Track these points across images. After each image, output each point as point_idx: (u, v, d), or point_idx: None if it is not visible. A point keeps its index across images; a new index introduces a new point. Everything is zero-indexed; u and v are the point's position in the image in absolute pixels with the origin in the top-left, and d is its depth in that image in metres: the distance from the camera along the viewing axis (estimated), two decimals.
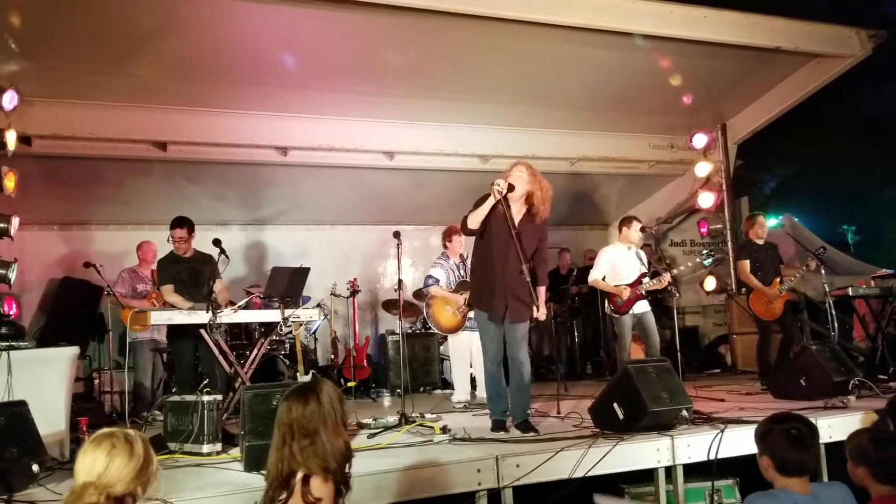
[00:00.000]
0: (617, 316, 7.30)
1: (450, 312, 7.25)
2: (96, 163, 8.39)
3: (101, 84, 7.65)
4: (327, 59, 7.99)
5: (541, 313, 5.26)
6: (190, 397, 4.99)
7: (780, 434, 3.06)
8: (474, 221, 5.25)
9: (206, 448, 4.77)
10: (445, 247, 7.52)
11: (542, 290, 5.38)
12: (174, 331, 6.25)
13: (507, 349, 5.42)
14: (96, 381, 8.24)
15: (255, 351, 5.90)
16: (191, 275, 6.45)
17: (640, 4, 7.96)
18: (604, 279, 7.41)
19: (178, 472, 4.36)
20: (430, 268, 7.61)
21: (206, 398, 4.84)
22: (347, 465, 2.63)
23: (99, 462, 2.25)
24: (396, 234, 6.42)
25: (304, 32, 7.53)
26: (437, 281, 7.31)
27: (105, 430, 2.36)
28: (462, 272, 7.34)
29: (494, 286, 5.28)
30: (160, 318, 5.56)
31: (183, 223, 6.50)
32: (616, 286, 7.27)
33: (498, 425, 5.30)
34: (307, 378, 8.14)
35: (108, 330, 8.35)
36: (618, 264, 7.39)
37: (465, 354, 7.27)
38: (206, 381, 6.35)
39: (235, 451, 4.72)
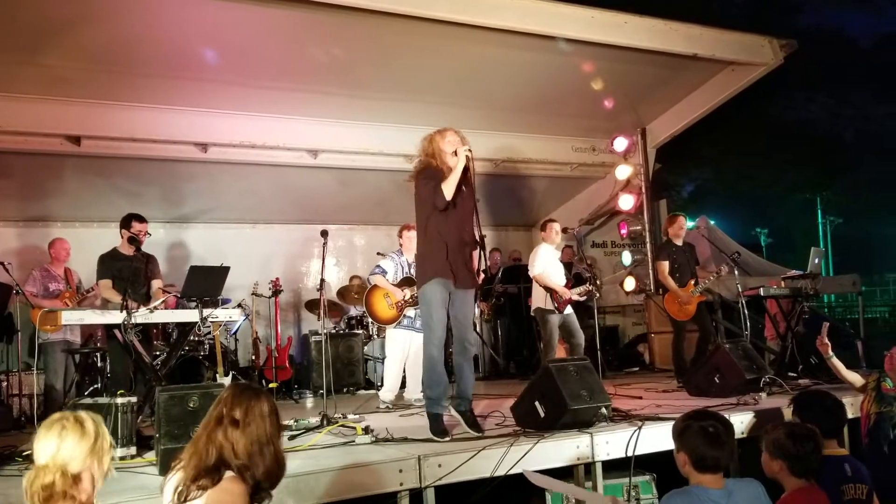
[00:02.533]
0: (549, 315, 7.42)
1: (387, 304, 7.21)
2: (5, 157, 8.05)
3: (11, 74, 7.34)
4: (250, 54, 7.86)
5: (480, 278, 5.25)
6: (103, 399, 4.81)
7: (696, 431, 3.14)
8: (449, 191, 4.93)
9: (119, 452, 4.59)
10: (401, 244, 7.47)
11: (475, 253, 5.26)
12: (111, 330, 6.05)
13: (454, 332, 5.19)
14: (4, 384, 7.90)
15: (172, 351, 5.77)
16: (131, 273, 6.37)
17: (564, 9, 8.08)
18: None
19: None
20: (380, 259, 7.58)
21: (119, 400, 4.68)
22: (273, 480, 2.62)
23: (51, 444, 2.38)
24: (324, 234, 6.36)
25: (227, 26, 7.39)
26: (384, 272, 7.25)
27: (57, 413, 2.49)
28: (412, 271, 7.22)
29: (458, 255, 5.05)
30: (71, 318, 5.38)
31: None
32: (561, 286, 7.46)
33: (440, 427, 4.90)
34: (227, 380, 8.00)
35: (17, 330, 8.01)
36: (553, 263, 7.60)
37: (400, 353, 7.21)
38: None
39: (151, 455, 4.59)
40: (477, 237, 5.11)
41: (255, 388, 2.72)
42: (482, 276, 5.22)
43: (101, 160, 8.54)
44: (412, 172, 5.23)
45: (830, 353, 5.58)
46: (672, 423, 3.34)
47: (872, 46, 27.38)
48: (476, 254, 5.16)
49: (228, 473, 2.51)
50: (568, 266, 8.70)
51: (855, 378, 5.48)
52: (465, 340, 5.15)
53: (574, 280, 7.96)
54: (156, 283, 6.71)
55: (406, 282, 7.19)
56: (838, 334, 8.78)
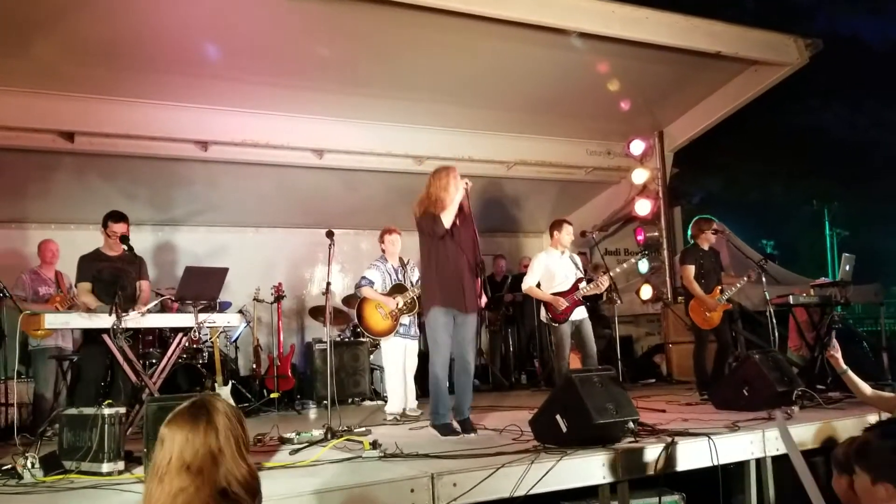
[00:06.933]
0: (556, 325, 7.03)
1: (381, 316, 6.91)
2: None
3: (0, 67, 7.04)
4: (253, 49, 7.60)
5: (483, 300, 5.61)
6: (88, 410, 4.48)
7: None
8: (448, 219, 5.40)
9: (105, 467, 4.27)
10: (383, 249, 7.16)
11: (478, 280, 5.65)
12: (87, 335, 5.79)
13: (455, 352, 5.58)
14: None
15: (165, 359, 5.42)
16: (113, 275, 6.07)
17: (582, 2, 7.80)
18: (538, 286, 7.15)
19: (73, 495, 3.92)
20: (365, 269, 7.26)
21: (106, 411, 4.34)
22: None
23: None
24: (330, 234, 6.05)
25: (229, 19, 7.13)
26: (371, 283, 6.96)
27: None
28: (400, 276, 7.01)
29: (458, 280, 5.49)
30: (55, 321, 5.05)
31: (126, 217, 6.27)
32: (553, 295, 7.03)
33: (447, 429, 5.38)
34: (226, 389, 7.67)
35: (5, 336, 7.68)
36: (552, 270, 7.17)
37: (399, 363, 6.93)
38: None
39: (139, 471, 4.27)
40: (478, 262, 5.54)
41: (185, 415, 2.13)
42: (484, 299, 5.64)
43: (96, 158, 8.23)
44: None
45: (843, 366, 4.94)
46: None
47: (887, 52, 27.09)
48: (479, 280, 5.58)
49: None
50: None
51: (879, 398, 4.86)
52: (465, 360, 5.59)
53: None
54: (144, 285, 6.36)
55: (396, 289, 6.92)
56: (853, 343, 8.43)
